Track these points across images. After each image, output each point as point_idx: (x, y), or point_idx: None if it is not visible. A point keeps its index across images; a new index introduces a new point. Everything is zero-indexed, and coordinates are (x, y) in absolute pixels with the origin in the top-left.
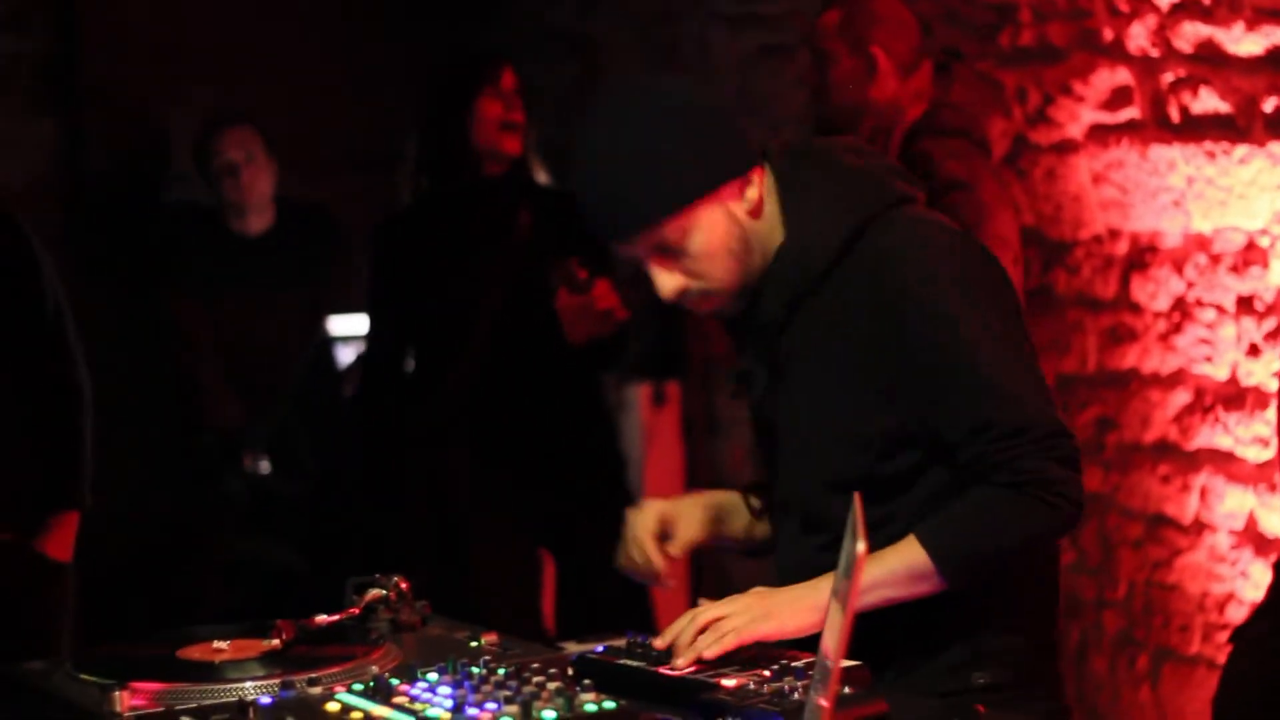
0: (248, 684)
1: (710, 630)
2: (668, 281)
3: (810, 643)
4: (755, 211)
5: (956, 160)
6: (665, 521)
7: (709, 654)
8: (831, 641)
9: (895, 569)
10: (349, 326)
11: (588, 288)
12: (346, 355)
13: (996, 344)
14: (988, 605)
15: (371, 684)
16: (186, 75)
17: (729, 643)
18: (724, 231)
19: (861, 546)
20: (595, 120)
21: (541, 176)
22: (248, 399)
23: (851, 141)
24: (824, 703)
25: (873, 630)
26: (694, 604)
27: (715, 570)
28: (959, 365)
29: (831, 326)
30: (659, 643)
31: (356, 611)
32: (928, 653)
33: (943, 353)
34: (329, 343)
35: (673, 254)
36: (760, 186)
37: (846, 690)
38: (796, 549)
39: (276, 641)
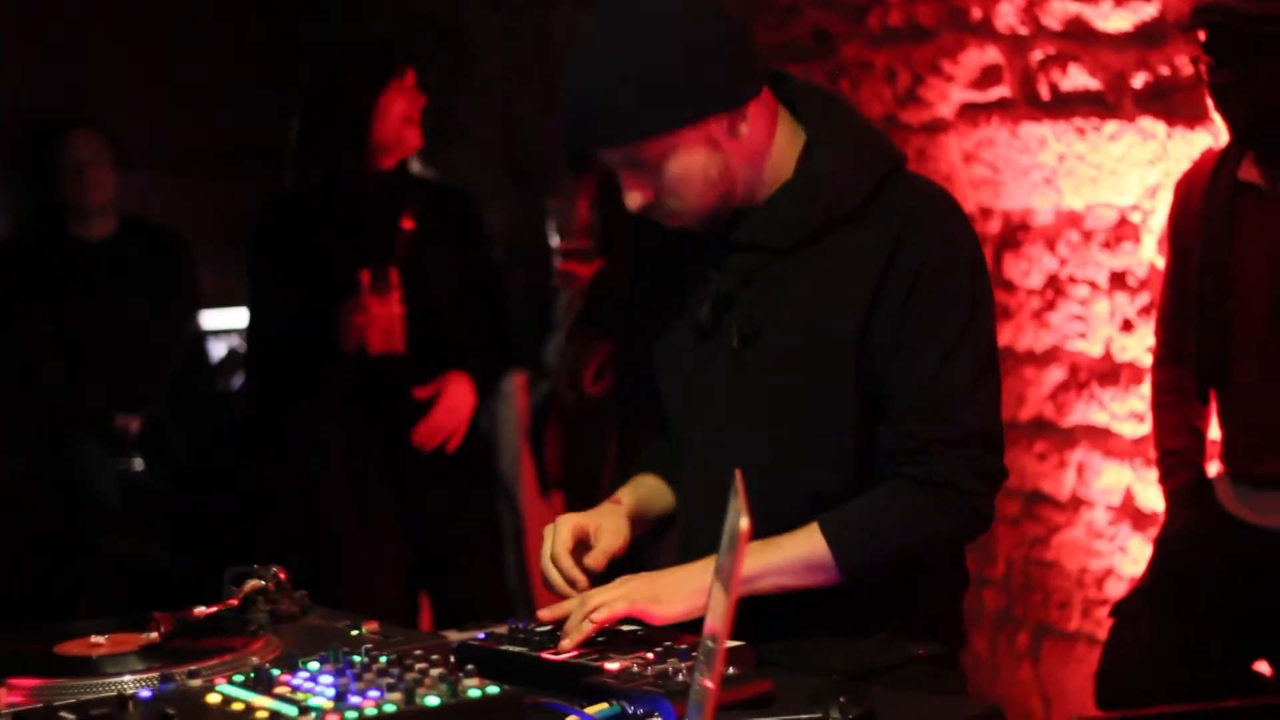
0: (126, 678)
1: (602, 610)
2: (635, 196)
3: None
4: (745, 145)
5: None
6: (582, 534)
7: (588, 625)
8: (716, 621)
9: (792, 557)
10: (221, 320)
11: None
12: (219, 349)
13: (978, 338)
14: (921, 580)
15: (252, 675)
16: None
17: (599, 618)
18: (704, 161)
19: (745, 523)
20: (603, 20)
21: (416, 168)
22: (116, 397)
23: None
24: (708, 684)
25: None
26: None
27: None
28: (941, 343)
29: (845, 259)
30: (544, 614)
31: (235, 603)
32: (861, 626)
33: (933, 329)
34: (201, 337)
35: (647, 171)
36: (764, 121)
37: (731, 670)
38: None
39: (155, 634)
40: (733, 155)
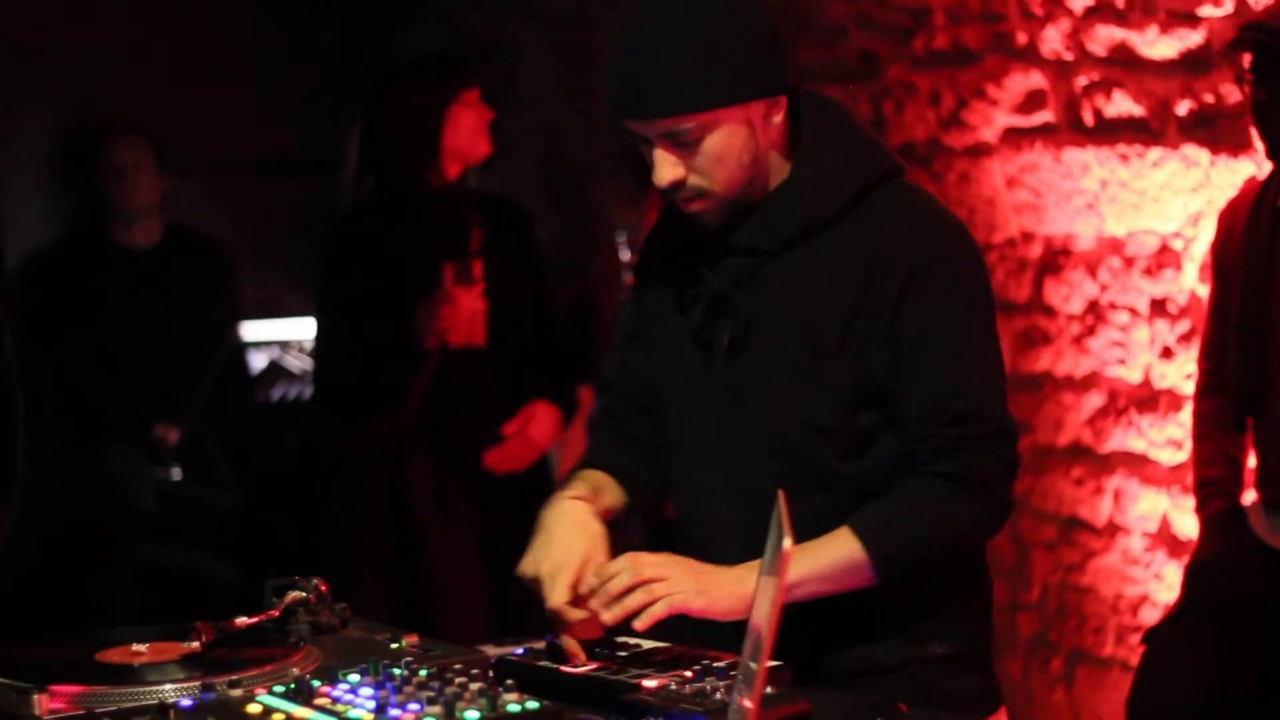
0: (168, 686)
1: (643, 590)
2: (669, 170)
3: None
4: (773, 135)
5: None
6: (576, 581)
7: (638, 625)
8: (753, 650)
9: (828, 563)
10: (261, 332)
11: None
12: (259, 361)
13: (982, 336)
14: (939, 581)
15: (293, 685)
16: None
17: (658, 613)
18: (741, 142)
19: (788, 543)
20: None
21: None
22: (155, 406)
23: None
24: (748, 704)
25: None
26: None
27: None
28: (949, 340)
29: (828, 271)
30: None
31: (276, 613)
32: (884, 626)
33: (938, 323)
34: (241, 348)
35: (685, 146)
36: (782, 117)
37: (769, 690)
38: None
39: (196, 644)
40: (763, 143)
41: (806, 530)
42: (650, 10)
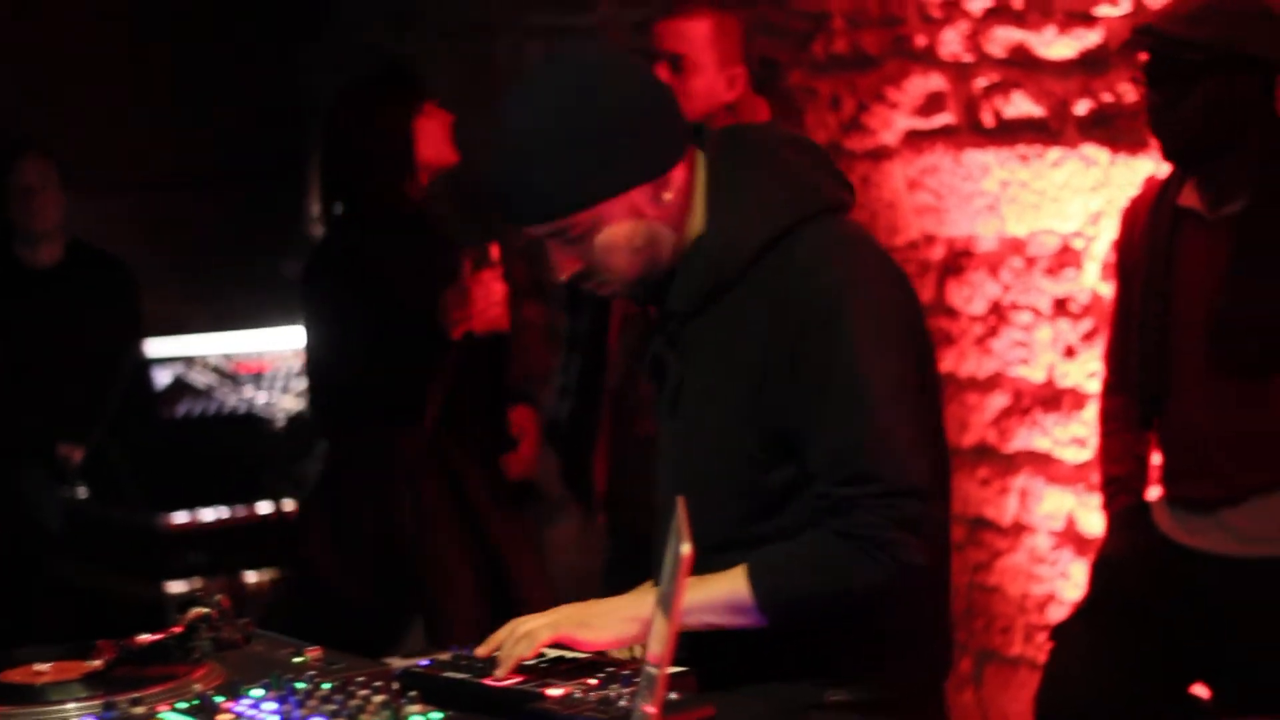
0: (70, 706)
1: (524, 638)
2: (564, 265)
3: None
4: (668, 209)
5: None
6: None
7: (518, 651)
8: (657, 647)
9: (717, 597)
10: (164, 349)
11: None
12: (163, 377)
13: (888, 384)
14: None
15: (196, 702)
16: None
17: (522, 650)
18: (629, 230)
19: (686, 549)
20: (519, 97)
21: None
22: (60, 425)
23: (790, 134)
24: (650, 709)
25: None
26: None
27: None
28: (843, 392)
29: (737, 326)
30: (481, 651)
31: (179, 630)
32: (785, 666)
33: (832, 375)
34: (145, 365)
35: (574, 243)
36: (684, 181)
37: (672, 696)
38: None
39: (98, 662)
40: (657, 221)
41: None
42: (517, 118)
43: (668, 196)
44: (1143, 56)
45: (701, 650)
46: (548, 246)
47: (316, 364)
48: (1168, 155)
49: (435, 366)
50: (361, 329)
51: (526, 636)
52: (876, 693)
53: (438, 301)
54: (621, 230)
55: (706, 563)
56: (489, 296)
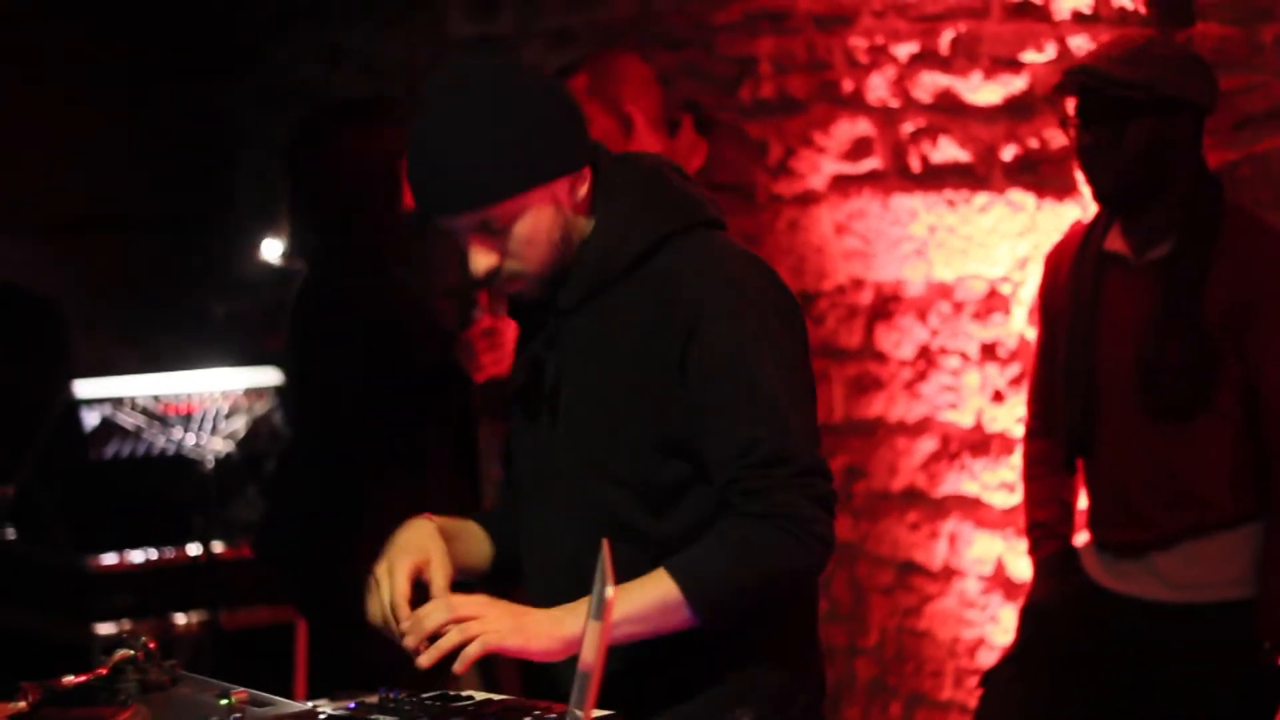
0: None
1: (458, 629)
2: (482, 260)
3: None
4: (579, 207)
5: (734, 216)
6: (417, 573)
7: (457, 667)
8: (582, 694)
9: (645, 603)
10: (93, 390)
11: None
12: (91, 418)
13: (777, 372)
14: (753, 639)
15: None
16: None
17: (473, 653)
18: (549, 222)
19: (611, 591)
20: (441, 91)
21: None
22: None
23: (675, 165)
24: None
25: (638, 664)
26: None
27: None
28: (738, 384)
29: (620, 325)
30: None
31: (104, 672)
32: (692, 688)
33: (724, 368)
34: (74, 405)
35: (494, 234)
36: (588, 185)
37: None
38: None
39: (23, 704)
40: (571, 216)
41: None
42: (441, 108)
43: (582, 191)
44: (1073, 99)
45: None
46: (467, 241)
47: (320, 410)
48: (1099, 196)
49: (450, 411)
50: (375, 371)
51: (461, 635)
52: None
53: (449, 344)
54: (543, 220)
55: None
56: (506, 337)
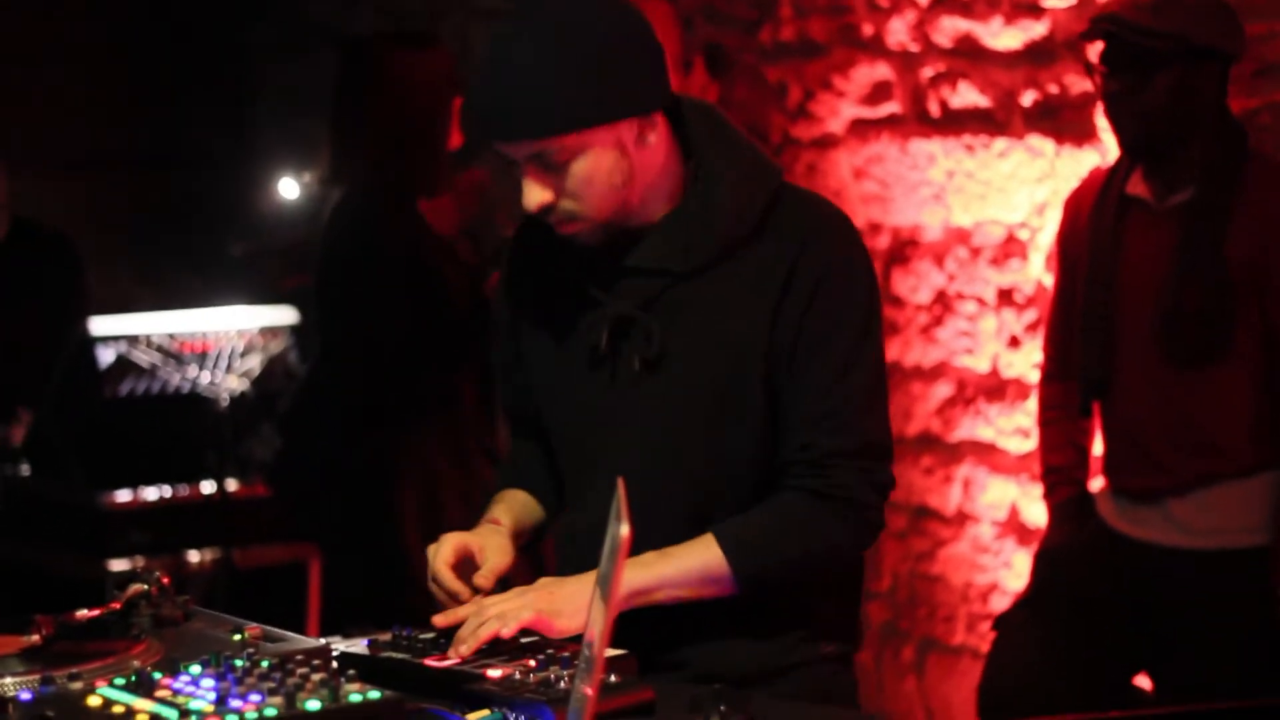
0: (7, 680)
1: (492, 620)
2: (537, 194)
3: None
4: (648, 154)
5: None
6: (465, 552)
7: (485, 631)
8: (596, 629)
9: (688, 569)
10: (109, 327)
11: None
12: (107, 356)
13: (873, 353)
14: (823, 582)
15: (134, 678)
16: None
17: (496, 630)
18: (611, 164)
19: (625, 530)
20: (518, 18)
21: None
22: (2, 401)
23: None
24: (589, 691)
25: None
26: None
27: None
28: (839, 357)
29: (743, 288)
30: (438, 619)
31: (118, 606)
32: (768, 627)
33: (832, 339)
34: (90, 343)
35: (552, 169)
36: (665, 134)
37: (612, 678)
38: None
39: (36, 638)
40: (637, 164)
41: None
42: (515, 32)
43: (652, 139)
44: (1099, 45)
45: (638, 635)
46: (524, 172)
47: (354, 357)
48: (1125, 144)
49: (479, 349)
50: (413, 317)
51: (499, 617)
52: (853, 643)
53: (480, 282)
54: (604, 162)
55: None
56: None
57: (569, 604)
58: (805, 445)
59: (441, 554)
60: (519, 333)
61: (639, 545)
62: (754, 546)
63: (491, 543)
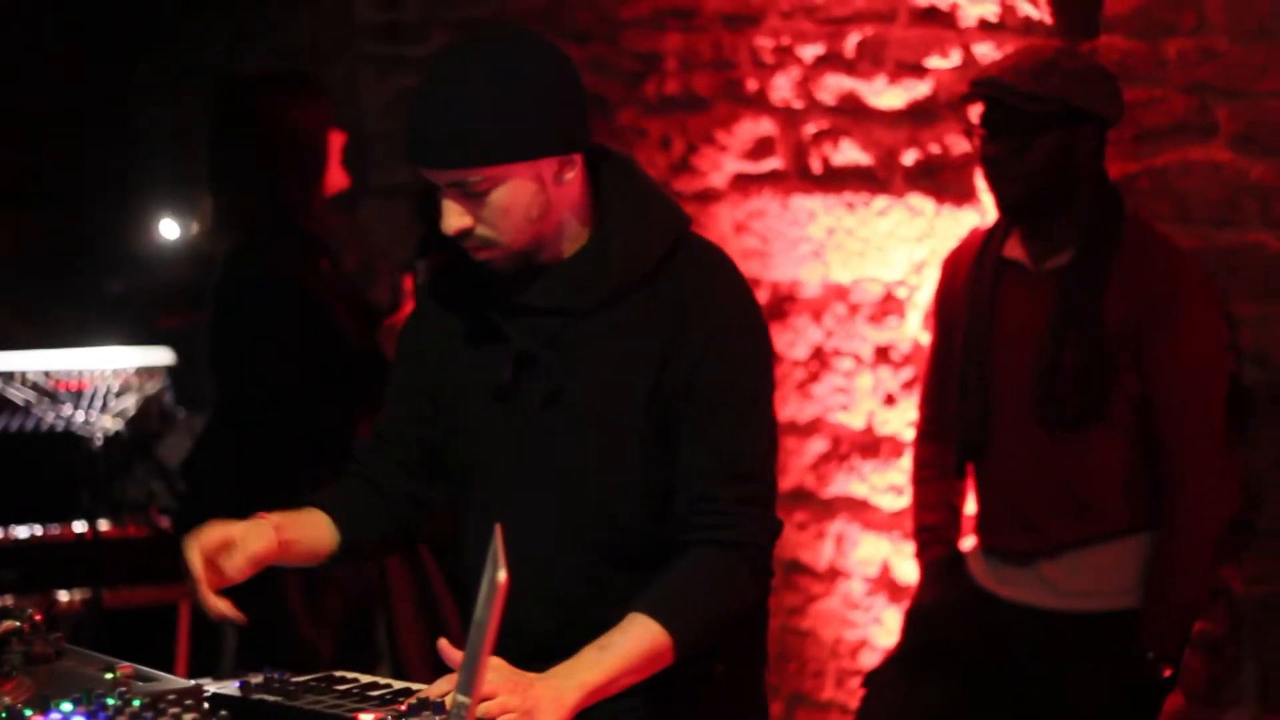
0: None
1: None
2: (455, 219)
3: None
4: (567, 192)
5: None
6: (224, 541)
7: None
8: (470, 676)
9: (634, 654)
10: None
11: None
12: None
13: (765, 401)
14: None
15: (4, 715)
16: None
17: None
18: (529, 196)
19: (502, 576)
20: (457, 46)
21: None
22: None
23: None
24: None
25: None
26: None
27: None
28: (735, 404)
29: (635, 329)
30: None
31: None
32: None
33: (729, 387)
34: None
35: (472, 196)
36: (579, 175)
37: None
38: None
39: None
40: (554, 199)
41: (609, 583)
42: (450, 64)
43: (569, 177)
44: (979, 108)
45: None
46: (444, 196)
47: (251, 401)
48: (1004, 207)
49: (374, 393)
50: (309, 360)
51: None
52: (746, 666)
53: (369, 330)
54: (522, 194)
55: (598, 570)
56: None
57: (542, 705)
58: (705, 496)
59: (199, 541)
60: (428, 364)
61: (536, 579)
62: (688, 613)
63: (253, 533)
